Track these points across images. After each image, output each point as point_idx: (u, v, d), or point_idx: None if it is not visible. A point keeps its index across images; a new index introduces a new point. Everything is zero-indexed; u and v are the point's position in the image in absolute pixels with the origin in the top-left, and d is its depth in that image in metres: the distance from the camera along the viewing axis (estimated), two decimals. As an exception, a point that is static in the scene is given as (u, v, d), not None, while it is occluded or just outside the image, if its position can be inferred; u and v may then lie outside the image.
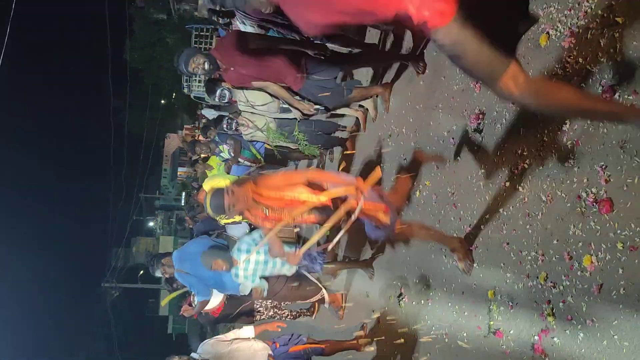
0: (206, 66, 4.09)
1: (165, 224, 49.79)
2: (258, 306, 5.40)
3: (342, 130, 6.00)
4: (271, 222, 2.91)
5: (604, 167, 2.16)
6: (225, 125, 5.73)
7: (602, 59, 2.25)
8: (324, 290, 4.95)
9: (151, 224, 53.16)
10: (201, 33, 18.50)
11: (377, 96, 4.94)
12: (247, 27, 4.60)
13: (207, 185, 7.11)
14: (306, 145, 5.97)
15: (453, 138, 3.51)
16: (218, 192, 2.86)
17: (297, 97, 4.34)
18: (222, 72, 4.28)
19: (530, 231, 2.59)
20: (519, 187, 2.71)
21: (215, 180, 6.99)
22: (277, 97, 4.59)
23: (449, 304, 3.23)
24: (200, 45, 20.35)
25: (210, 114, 10.68)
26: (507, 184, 2.83)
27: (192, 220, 7.88)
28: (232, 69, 4.18)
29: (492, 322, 2.78)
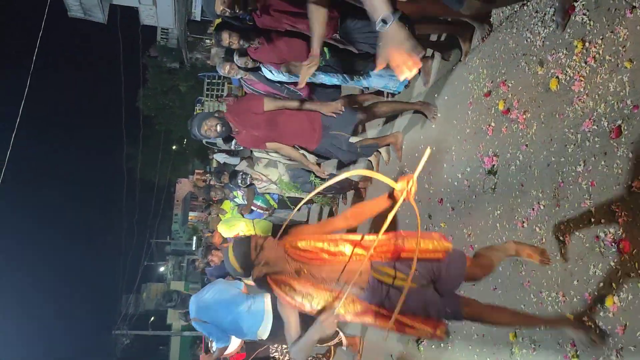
0: (218, 128, 4.12)
1: (176, 268, 49.54)
2: (273, 351, 5.36)
3: (353, 189, 6.06)
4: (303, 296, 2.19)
5: (620, 207, 2.18)
6: (239, 180, 5.83)
7: (612, 102, 2.31)
8: (341, 333, 4.91)
9: (162, 269, 52.91)
10: (213, 81, 18.94)
11: (389, 145, 5.02)
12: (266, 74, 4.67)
13: (222, 227, 7.16)
14: (321, 196, 6.06)
15: (467, 180, 3.56)
16: (242, 241, 2.30)
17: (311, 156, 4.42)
18: (234, 135, 4.33)
19: (549, 272, 2.59)
20: (536, 228, 2.73)
21: (230, 222, 7.05)
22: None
23: (470, 347, 3.20)
24: (212, 92, 20.80)
25: (222, 158, 10.84)
26: (525, 224, 2.85)
27: (205, 263, 7.87)
28: (244, 131, 4.24)
29: (514, 365, 2.75)
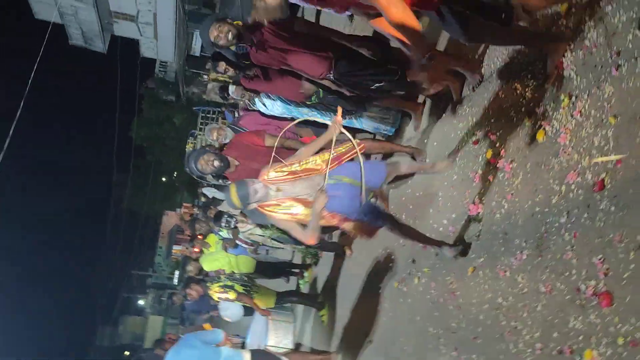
0: (216, 164, 4.08)
1: (156, 302, 48.56)
2: None
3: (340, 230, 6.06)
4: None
5: (602, 259, 2.18)
6: (224, 223, 5.79)
7: (596, 155, 2.34)
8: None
9: (141, 302, 51.84)
10: (207, 115, 19.08)
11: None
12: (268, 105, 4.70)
13: (204, 261, 7.07)
14: (305, 248, 6.06)
15: (452, 226, 3.56)
16: (243, 182, 3.18)
17: None
18: (228, 174, 4.28)
19: (530, 322, 2.56)
20: (518, 277, 2.72)
21: (213, 256, 6.97)
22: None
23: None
24: (206, 127, 20.88)
25: (210, 192, 10.79)
26: (507, 273, 2.84)
27: (184, 296, 7.73)
28: (242, 165, 4.20)
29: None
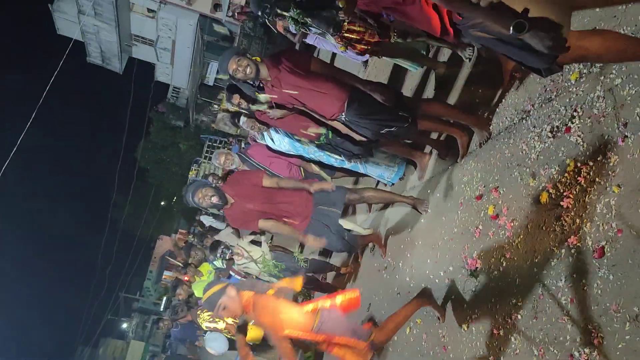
0: (213, 200, 4.11)
1: (140, 327, 47.67)
2: None
3: (335, 272, 6.03)
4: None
5: (597, 327, 2.17)
6: (219, 254, 5.78)
7: (598, 222, 2.36)
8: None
9: (125, 325, 50.87)
10: (214, 144, 19.22)
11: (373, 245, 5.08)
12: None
13: (197, 288, 6.99)
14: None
15: (448, 279, 3.55)
16: (219, 292, 3.10)
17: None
18: (225, 210, 4.30)
19: (520, 385, 2.53)
20: (512, 337, 2.70)
21: (206, 284, 6.90)
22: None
23: None
24: (210, 155, 21.06)
25: (208, 220, 10.78)
26: (501, 332, 2.81)
27: (172, 323, 7.62)
28: (237, 204, 4.22)
29: None
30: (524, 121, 3.19)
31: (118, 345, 48.18)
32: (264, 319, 3.04)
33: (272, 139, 4.74)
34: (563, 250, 2.53)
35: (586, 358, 2.18)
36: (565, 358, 2.30)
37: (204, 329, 6.06)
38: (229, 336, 6.22)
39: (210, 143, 18.75)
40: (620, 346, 2.05)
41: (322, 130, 4.18)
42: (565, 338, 2.34)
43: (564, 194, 2.63)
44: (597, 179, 2.45)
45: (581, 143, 2.62)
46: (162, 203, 37.43)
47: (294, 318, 3.08)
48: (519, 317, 2.70)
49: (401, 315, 3.36)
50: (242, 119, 4.70)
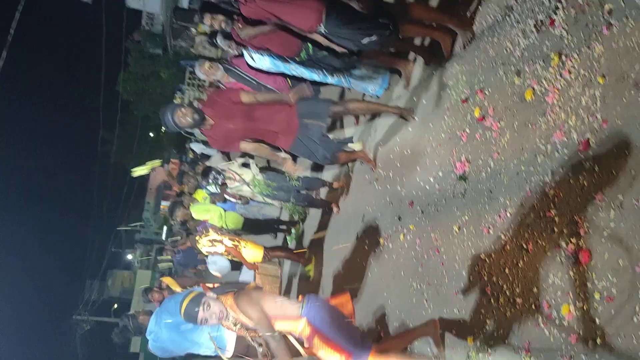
0: (194, 117, 4.00)
1: (144, 257, 48.85)
2: None
3: (328, 187, 6.08)
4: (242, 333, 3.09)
5: (583, 218, 2.23)
6: (211, 180, 5.76)
7: (583, 115, 2.36)
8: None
9: (129, 257, 52.14)
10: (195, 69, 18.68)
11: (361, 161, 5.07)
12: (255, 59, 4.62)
13: (194, 209, 7.09)
14: (293, 204, 6.07)
15: (438, 184, 3.59)
16: (195, 301, 2.89)
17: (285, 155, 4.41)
18: (206, 132, 4.20)
19: (510, 278, 2.63)
20: (501, 235, 2.77)
21: (205, 206, 6.99)
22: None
23: (428, 349, 3.23)
24: (193, 81, 20.62)
25: (199, 148, 10.74)
26: (490, 231, 2.89)
27: (173, 251, 7.80)
28: (218, 124, 4.12)
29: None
30: (507, 18, 3.10)
31: (125, 275, 49.63)
32: (251, 314, 2.88)
33: (252, 57, 4.61)
34: (549, 146, 2.54)
35: (573, 248, 2.25)
36: (553, 250, 2.37)
37: (205, 254, 6.20)
38: (229, 258, 6.38)
39: (192, 69, 18.25)
40: (605, 234, 2.11)
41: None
42: (553, 230, 2.40)
43: (549, 89, 2.61)
44: (581, 71, 2.42)
45: (565, 35, 2.56)
46: (151, 134, 37.09)
47: (279, 306, 2.96)
48: (508, 214, 2.76)
49: (409, 336, 3.37)
50: (219, 38, 4.54)
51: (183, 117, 4.00)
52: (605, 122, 2.22)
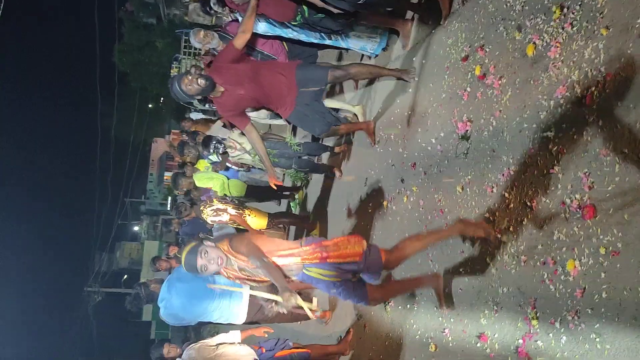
0: (201, 82, 3.83)
1: (151, 228, 49.33)
2: None
3: (329, 152, 6.04)
4: (244, 281, 3.07)
5: (587, 174, 2.21)
6: (212, 149, 5.72)
7: (586, 69, 2.31)
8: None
9: (136, 228, 52.68)
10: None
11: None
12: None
13: (197, 177, 7.10)
14: (295, 171, 6.05)
15: (440, 145, 3.56)
16: (193, 251, 2.91)
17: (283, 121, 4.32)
18: (216, 100, 4.10)
19: (515, 236, 2.63)
20: (505, 193, 2.76)
21: (208, 175, 7.00)
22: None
23: (435, 308, 3.27)
24: (190, 50, 20.34)
25: (198, 117, 10.67)
26: (494, 190, 2.88)
27: (179, 223, 7.85)
28: (228, 91, 4.01)
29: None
30: (506, -30, 3.01)
31: (133, 247, 50.30)
32: (242, 249, 2.89)
33: None
34: (552, 102, 2.51)
35: (577, 204, 2.24)
36: (557, 206, 2.37)
37: (210, 223, 6.22)
38: (234, 226, 6.41)
39: (187, 37, 17.97)
40: (610, 188, 2.09)
41: None
42: (557, 187, 2.39)
43: (551, 43, 2.55)
44: (584, 24, 2.36)
45: (567, -14, 2.49)
46: (150, 105, 36.89)
47: (277, 242, 3.03)
48: (511, 172, 2.74)
49: (413, 283, 3.45)
50: (212, 3, 4.44)
51: (190, 84, 3.83)
52: (609, 74, 2.18)
